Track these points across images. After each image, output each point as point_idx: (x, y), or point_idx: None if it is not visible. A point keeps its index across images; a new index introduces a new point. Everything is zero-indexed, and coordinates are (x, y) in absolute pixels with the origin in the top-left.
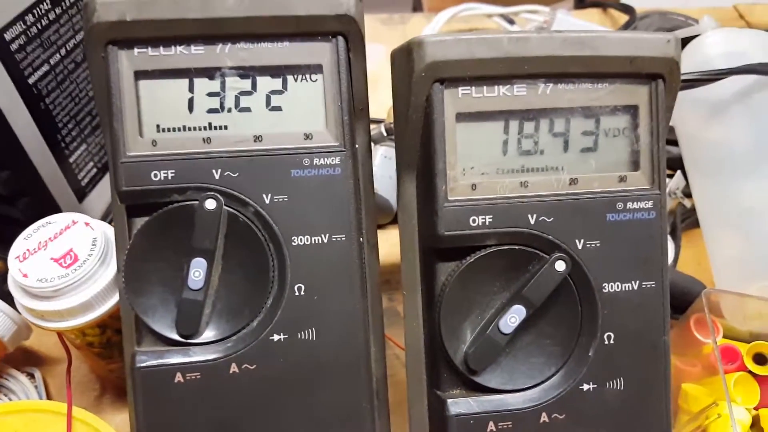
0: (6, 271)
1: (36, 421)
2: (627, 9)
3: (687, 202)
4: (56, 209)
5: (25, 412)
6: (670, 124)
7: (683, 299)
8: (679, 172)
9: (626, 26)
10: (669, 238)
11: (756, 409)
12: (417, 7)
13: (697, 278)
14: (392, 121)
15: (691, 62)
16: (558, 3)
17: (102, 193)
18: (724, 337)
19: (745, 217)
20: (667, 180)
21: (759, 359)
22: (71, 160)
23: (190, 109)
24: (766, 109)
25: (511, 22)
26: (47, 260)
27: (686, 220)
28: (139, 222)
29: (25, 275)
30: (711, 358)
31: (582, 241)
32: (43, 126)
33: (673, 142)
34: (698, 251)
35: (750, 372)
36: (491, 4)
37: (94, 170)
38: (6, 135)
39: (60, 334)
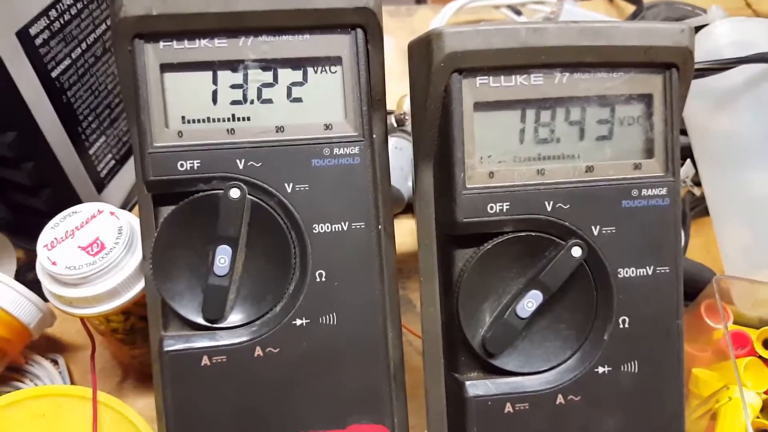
0: (28, 261)
1: (61, 405)
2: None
3: (696, 191)
4: (77, 200)
5: (51, 396)
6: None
7: (693, 286)
8: (688, 160)
9: (633, 16)
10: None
11: (766, 393)
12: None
13: (706, 265)
14: (402, 111)
15: (700, 52)
16: None
17: (120, 185)
18: (734, 323)
19: (754, 205)
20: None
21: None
22: (91, 152)
23: (214, 101)
24: None
25: (518, 13)
26: (75, 248)
27: (695, 208)
28: (165, 211)
29: (53, 263)
30: (721, 344)
31: (598, 227)
32: (65, 119)
33: (682, 132)
34: (708, 239)
35: (760, 357)
36: None
37: (113, 162)
38: (30, 127)
39: (85, 320)
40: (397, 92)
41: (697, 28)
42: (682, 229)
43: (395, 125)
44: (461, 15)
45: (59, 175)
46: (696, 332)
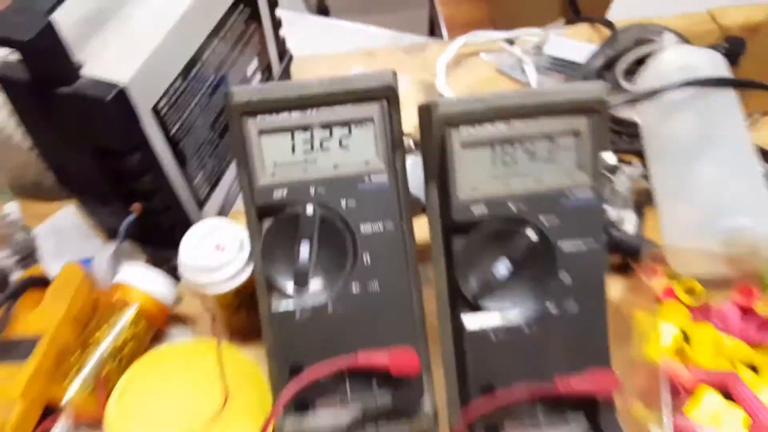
0: (152, 261)
1: (196, 351)
2: (609, 24)
3: (645, 183)
4: (187, 218)
5: (189, 348)
6: (636, 120)
7: (638, 253)
8: (638, 161)
9: (609, 41)
10: (633, 212)
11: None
12: (433, 19)
13: (653, 240)
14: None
15: (653, 73)
16: (551, 23)
17: (213, 204)
18: (669, 277)
19: (691, 190)
20: (628, 167)
21: (690, 291)
22: (193, 183)
23: (293, 151)
24: (706, 110)
25: (512, 43)
26: (209, 248)
27: (646, 198)
28: (265, 222)
29: (195, 259)
30: (655, 294)
31: (546, 217)
32: (179, 162)
33: (635, 136)
34: (656, 221)
35: (683, 303)
36: (495, 30)
37: (207, 189)
38: (159, 170)
39: (208, 297)
40: (412, 118)
41: (653, 53)
42: (637, 214)
43: (413, 147)
44: (464, 47)
45: (176, 201)
46: (638, 287)
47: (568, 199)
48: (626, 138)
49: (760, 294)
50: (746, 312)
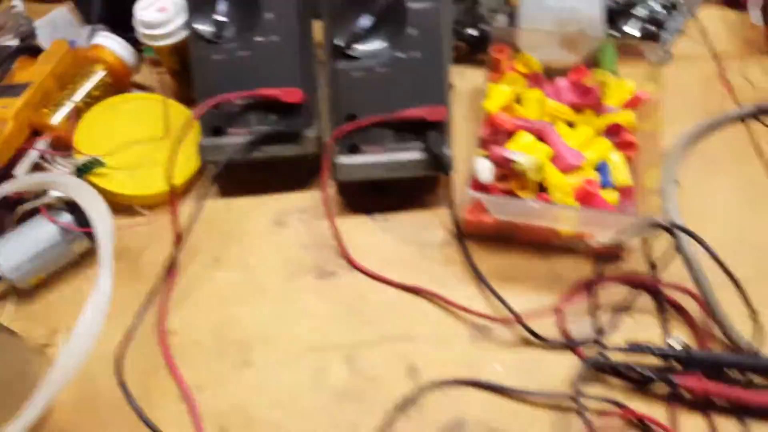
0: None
1: (147, 100)
2: None
3: None
4: None
5: (142, 97)
6: None
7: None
8: None
9: None
10: (506, 16)
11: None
12: None
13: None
14: None
15: None
16: None
17: None
18: (518, 60)
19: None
20: None
21: (526, 64)
22: None
23: None
24: None
25: None
26: (155, 10)
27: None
28: None
29: (145, 14)
30: (502, 69)
31: None
32: None
33: None
34: None
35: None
36: None
37: None
38: None
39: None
40: None
41: None
42: (508, 17)
43: None
44: None
45: None
46: (488, 65)
47: None
48: None
49: (590, 74)
50: (577, 86)
